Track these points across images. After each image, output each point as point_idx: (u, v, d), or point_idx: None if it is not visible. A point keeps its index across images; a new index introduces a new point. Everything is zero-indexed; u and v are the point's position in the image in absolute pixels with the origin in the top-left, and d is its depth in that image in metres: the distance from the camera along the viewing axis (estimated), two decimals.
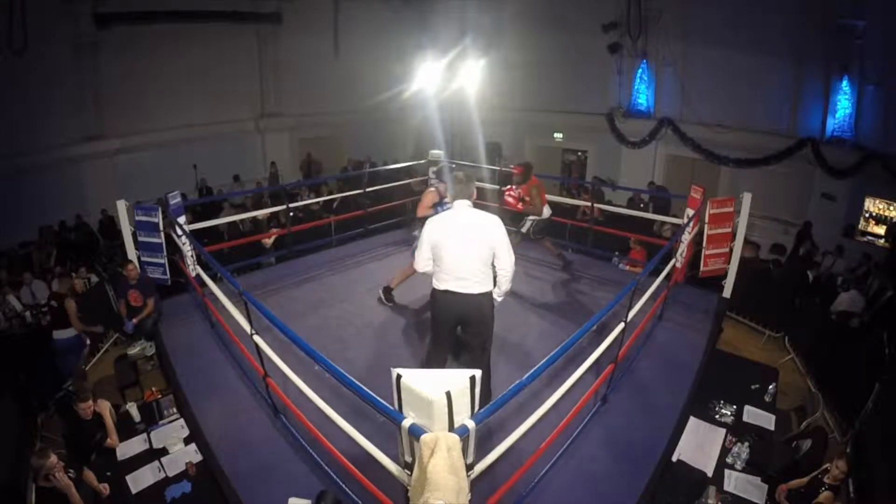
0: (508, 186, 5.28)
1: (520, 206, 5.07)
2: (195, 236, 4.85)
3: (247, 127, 12.18)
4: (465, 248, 2.88)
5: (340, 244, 6.54)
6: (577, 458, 3.04)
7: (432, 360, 3.24)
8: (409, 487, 1.86)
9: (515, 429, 2.35)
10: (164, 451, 3.44)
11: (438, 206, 4.62)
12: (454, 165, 5.69)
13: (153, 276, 4.87)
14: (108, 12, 9.36)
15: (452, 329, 3.15)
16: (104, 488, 3.14)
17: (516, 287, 5.28)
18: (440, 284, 3.00)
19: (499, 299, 3.15)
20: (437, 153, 7.00)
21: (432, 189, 4.75)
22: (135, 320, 4.67)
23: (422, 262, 3.05)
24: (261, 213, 7.45)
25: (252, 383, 3.69)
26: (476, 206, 3.08)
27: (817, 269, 7.30)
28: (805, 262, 7.44)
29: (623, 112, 11.35)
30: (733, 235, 4.89)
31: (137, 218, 4.73)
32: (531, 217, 5.15)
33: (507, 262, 2.96)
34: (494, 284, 3.05)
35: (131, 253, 4.80)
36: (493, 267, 3.01)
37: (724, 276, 4.99)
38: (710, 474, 3.20)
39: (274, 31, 11.72)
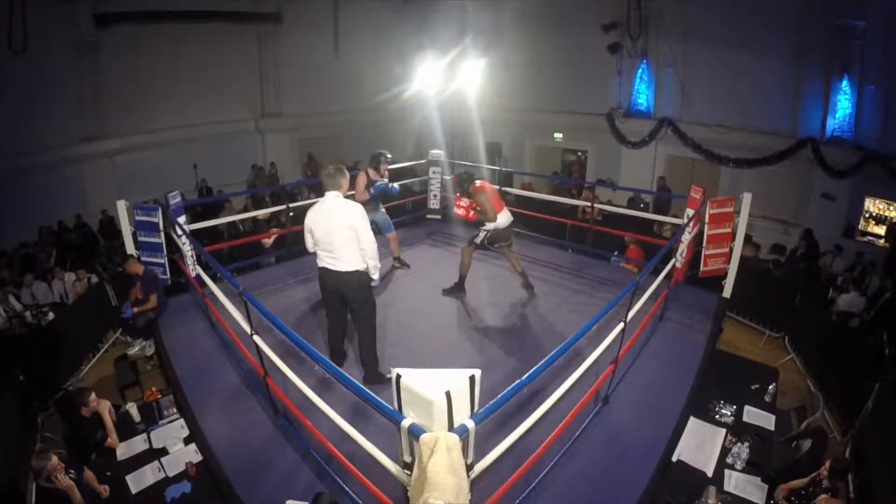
0: (456, 195, 5.21)
1: (472, 215, 4.97)
2: (195, 236, 4.86)
3: (247, 127, 12.18)
4: (332, 231, 3.32)
5: None
6: (577, 458, 3.04)
7: (329, 331, 3.80)
8: (409, 487, 1.86)
9: (515, 429, 2.35)
10: (164, 451, 3.44)
11: (370, 186, 5.09)
12: (382, 156, 5.47)
13: None
14: (108, 12, 9.36)
15: (336, 302, 3.59)
16: (104, 490, 3.14)
17: (516, 285, 5.31)
18: (319, 262, 3.49)
19: (374, 277, 3.56)
20: (437, 153, 7.02)
21: (362, 172, 5.17)
22: (136, 308, 4.63)
23: (308, 245, 3.51)
24: (261, 212, 7.45)
25: (252, 383, 3.69)
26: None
27: (819, 269, 7.29)
28: (809, 264, 7.44)
29: (623, 112, 11.34)
30: (733, 235, 4.89)
31: (137, 218, 4.73)
32: (485, 228, 4.81)
33: (366, 243, 3.38)
34: None
35: (131, 252, 4.80)
36: None
37: (724, 276, 4.99)
38: (710, 474, 3.20)
39: (274, 31, 11.71)
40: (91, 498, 3.04)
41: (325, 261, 3.44)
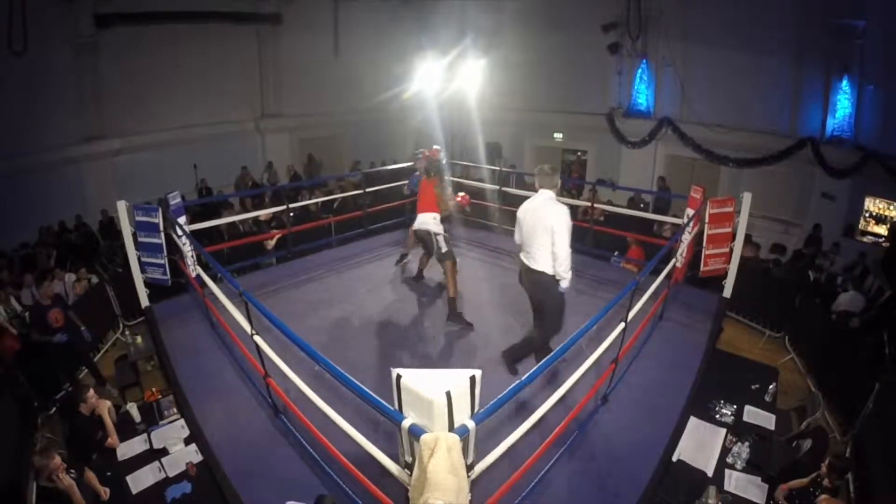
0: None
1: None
2: (195, 237, 4.86)
3: (247, 127, 12.18)
4: (535, 229, 3.38)
5: (340, 244, 6.54)
6: (577, 457, 3.04)
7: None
8: (409, 487, 1.86)
9: (515, 429, 2.35)
10: (164, 452, 3.45)
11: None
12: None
13: (153, 276, 4.87)
14: (108, 12, 9.35)
15: (530, 295, 3.71)
16: (104, 492, 3.14)
17: (516, 285, 5.30)
18: (519, 254, 3.60)
19: (563, 283, 3.45)
20: (437, 149, 7.02)
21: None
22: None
23: (516, 237, 3.64)
24: (261, 213, 7.45)
25: (252, 383, 3.69)
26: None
27: (819, 271, 7.29)
28: (808, 263, 7.44)
29: (623, 112, 11.35)
30: (733, 235, 4.89)
31: (137, 218, 4.72)
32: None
33: (559, 248, 3.34)
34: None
35: (131, 253, 4.80)
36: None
37: (725, 275, 4.99)
38: (710, 474, 3.20)
39: (274, 32, 11.71)
40: (91, 498, 3.04)
41: (523, 255, 3.56)
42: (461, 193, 4.91)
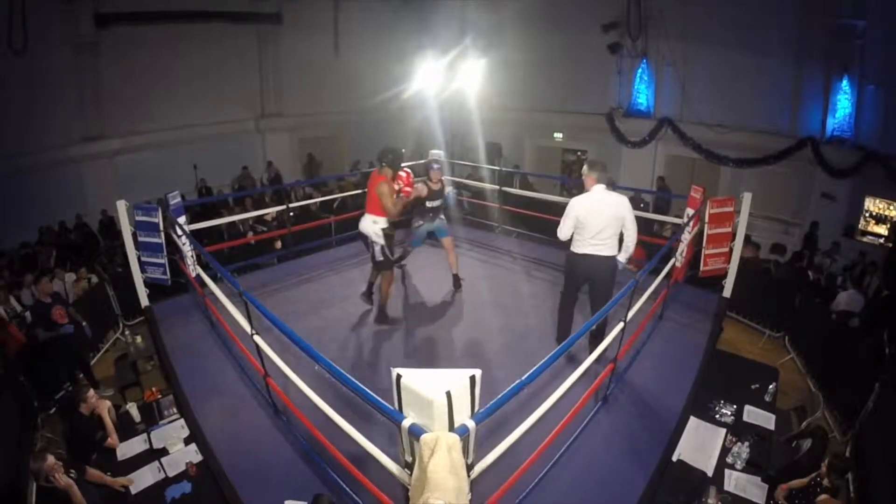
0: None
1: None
2: (195, 236, 4.86)
3: (247, 127, 12.19)
4: (605, 221, 3.61)
5: (340, 244, 6.54)
6: (577, 457, 3.04)
7: (563, 310, 4.00)
8: (409, 487, 1.86)
9: (515, 429, 2.35)
10: (164, 452, 3.44)
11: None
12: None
13: (153, 276, 4.87)
14: (108, 12, 9.36)
15: (580, 286, 3.89)
16: (121, 485, 3.14)
17: (516, 285, 5.31)
18: (578, 248, 3.75)
19: (622, 261, 3.78)
20: (437, 153, 7.03)
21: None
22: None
23: (565, 231, 3.75)
24: (262, 212, 7.45)
25: (252, 383, 3.69)
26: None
27: (819, 271, 7.29)
28: (806, 263, 7.44)
29: (623, 112, 11.35)
30: (733, 235, 4.89)
31: (137, 218, 4.72)
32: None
33: (634, 231, 3.70)
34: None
35: (131, 253, 4.80)
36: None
37: (725, 275, 5.00)
38: (710, 474, 3.20)
39: (274, 31, 11.72)
40: (94, 497, 3.04)
41: (587, 247, 3.70)
42: (404, 171, 4.39)
